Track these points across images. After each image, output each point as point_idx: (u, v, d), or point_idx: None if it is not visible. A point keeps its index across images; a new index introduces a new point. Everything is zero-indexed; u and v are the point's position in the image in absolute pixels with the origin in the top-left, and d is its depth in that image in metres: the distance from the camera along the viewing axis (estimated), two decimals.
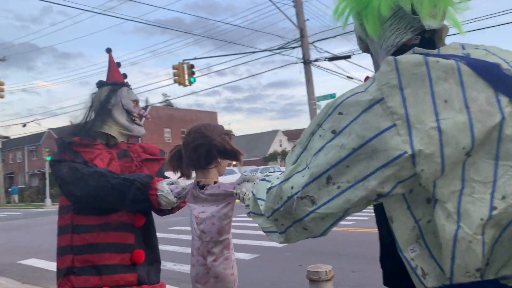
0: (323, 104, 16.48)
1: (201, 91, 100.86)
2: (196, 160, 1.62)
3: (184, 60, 15.67)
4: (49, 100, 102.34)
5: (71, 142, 1.68)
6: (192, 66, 15.77)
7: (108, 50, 1.96)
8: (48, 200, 28.47)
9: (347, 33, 15.98)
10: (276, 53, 15.65)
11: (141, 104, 2.05)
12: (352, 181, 0.84)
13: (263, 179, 1.20)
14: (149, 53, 53.77)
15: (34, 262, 7.68)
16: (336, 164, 0.85)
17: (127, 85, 1.93)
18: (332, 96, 15.73)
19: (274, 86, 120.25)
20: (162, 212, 1.79)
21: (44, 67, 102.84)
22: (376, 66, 1.07)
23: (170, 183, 1.61)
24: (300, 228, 0.96)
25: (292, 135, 60.36)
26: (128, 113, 1.85)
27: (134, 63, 69.71)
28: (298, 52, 15.41)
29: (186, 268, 5.91)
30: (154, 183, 1.57)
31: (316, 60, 15.45)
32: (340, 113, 0.87)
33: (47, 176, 29.79)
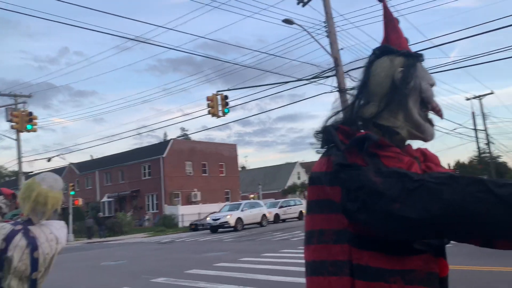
0: None
1: (218, 125, 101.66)
2: None
3: (218, 91, 15.53)
4: (64, 137, 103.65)
5: (374, 140, 1.08)
6: (226, 97, 15.61)
7: None
8: (70, 236, 28.04)
9: None
10: (311, 82, 15.44)
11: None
12: None
13: None
14: (162, 91, 54.66)
15: None
16: None
17: (421, 58, 1.26)
18: None
19: (283, 119, 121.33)
20: None
21: (60, 105, 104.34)
22: None
23: None
24: None
25: (310, 167, 59.38)
26: (422, 104, 1.21)
27: (146, 100, 70.75)
28: (332, 81, 15.14)
29: None
30: None
31: (353, 88, 15.17)
32: None
33: (70, 211, 29.55)
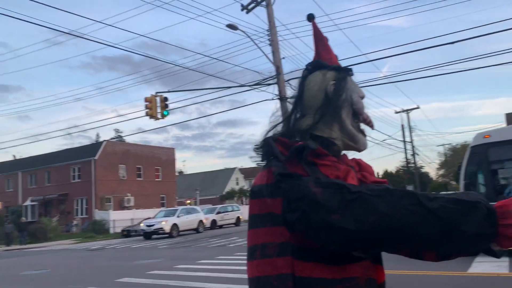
0: None
1: (156, 128, 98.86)
2: None
3: (157, 92, 15.08)
4: None
5: (311, 149, 1.10)
6: (165, 99, 15.20)
7: (311, 18, 1.37)
8: None
9: None
10: (253, 89, 15.52)
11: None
12: None
13: None
14: (96, 90, 52.03)
15: None
16: None
17: (351, 72, 1.34)
18: None
19: (223, 125, 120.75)
20: (446, 258, 1.16)
21: None
22: None
23: None
24: None
25: (248, 173, 59.99)
26: (354, 116, 1.28)
27: (79, 98, 67.39)
28: (273, 89, 15.41)
29: None
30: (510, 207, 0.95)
31: (292, 97, 15.53)
32: None
33: None
